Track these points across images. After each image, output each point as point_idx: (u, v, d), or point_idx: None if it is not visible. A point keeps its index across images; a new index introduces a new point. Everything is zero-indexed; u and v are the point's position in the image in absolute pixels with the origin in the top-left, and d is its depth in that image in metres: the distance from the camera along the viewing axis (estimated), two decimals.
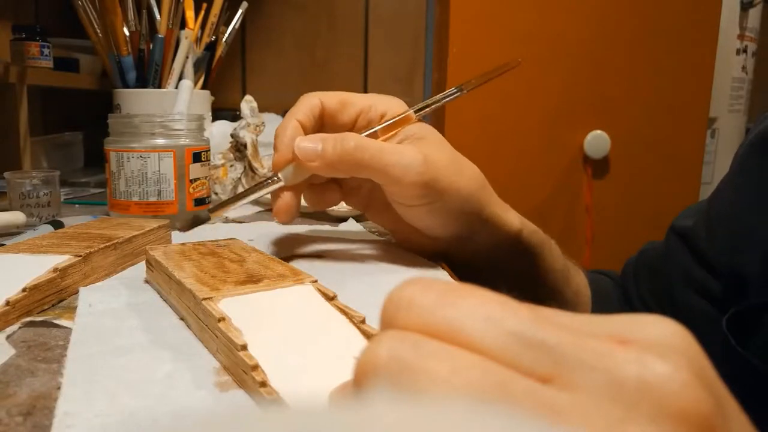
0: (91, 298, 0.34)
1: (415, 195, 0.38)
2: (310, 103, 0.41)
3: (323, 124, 0.42)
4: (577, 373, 0.14)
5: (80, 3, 0.77)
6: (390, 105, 0.42)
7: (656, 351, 0.14)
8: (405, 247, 0.45)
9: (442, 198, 0.38)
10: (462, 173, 0.40)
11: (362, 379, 0.15)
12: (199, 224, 0.38)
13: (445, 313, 0.15)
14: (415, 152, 0.38)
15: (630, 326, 0.15)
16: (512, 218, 0.43)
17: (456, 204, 0.39)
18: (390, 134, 0.41)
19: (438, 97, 0.42)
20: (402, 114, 0.41)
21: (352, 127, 0.42)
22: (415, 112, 0.41)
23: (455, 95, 0.42)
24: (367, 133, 0.40)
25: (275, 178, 0.40)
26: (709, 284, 0.44)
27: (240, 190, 0.69)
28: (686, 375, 0.13)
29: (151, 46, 0.77)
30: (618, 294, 0.53)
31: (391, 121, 0.41)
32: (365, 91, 1.48)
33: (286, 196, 0.40)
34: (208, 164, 0.60)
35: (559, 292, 0.47)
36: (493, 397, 0.13)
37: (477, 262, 0.44)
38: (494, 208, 0.42)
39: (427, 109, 0.42)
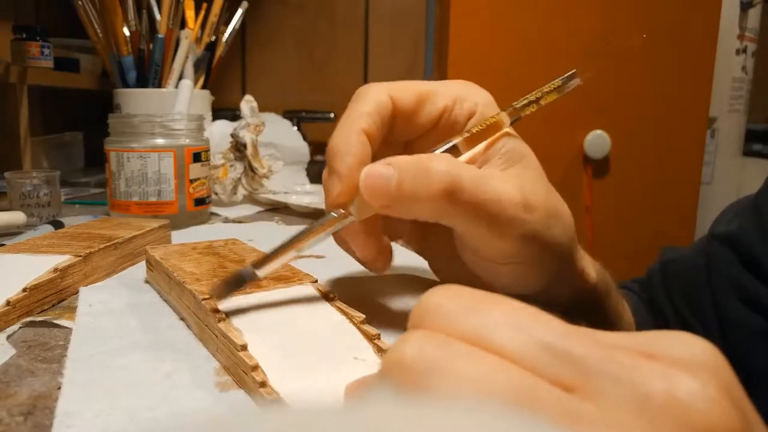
0: (91, 298, 0.34)
1: (510, 253, 0.28)
2: (377, 102, 0.29)
3: (393, 125, 0.30)
4: (602, 385, 0.14)
5: (80, 3, 0.77)
6: (478, 100, 0.31)
7: (684, 367, 0.14)
8: None
9: (537, 253, 0.29)
10: (559, 218, 0.30)
11: (388, 376, 0.15)
12: (243, 285, 0.27)
13: (474, 320, 0.15)
14: (514, 192, 0.27)
15: (658, 342, 0.15)
16: (591, 269, 0.35)
17: (546, 260, 0.30)
18: (477, 150, 0.30)
19: (540, 92, 0.30)
20: (491, 120, 0.29)
21: (433, 129, 0.31)
22: (511, 118, 0.30)
23: (566, 87, 0.30)
24: (447, 146, 0.29)
25: (342, 212, 0.28)
26: (764, 296, 0.39)
27: (240, 190, 0.69)
28: (714, 392, 0.13)
29: (151, 46, 0.77)
30: (646, 310, 0.48)
31: (477, 128, 0.29)
32: None
33: (368, 239, 0.29)
34: (208, 164, 0.60)
35: (615, 328, 0.39)
36: (519, 401, 0.13)
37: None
38: (580, 262, 0.33)
39: (525, 110, 0.30)
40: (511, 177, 0.29)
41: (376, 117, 0.29)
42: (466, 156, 0.29)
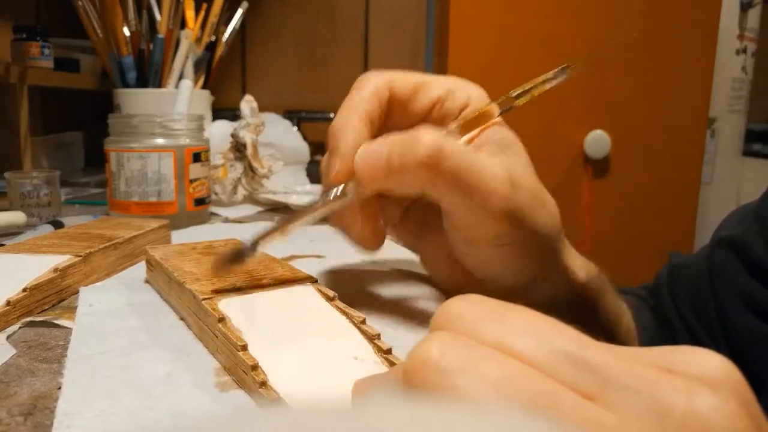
0: (92, 298, 0.34)
1: (496, 232, 0.29)
2: (376, 88, 0.31)
3: (390, 113, 0.32)
4: (622, 396, 0.14)
5: (80, 3, 0.77)
6: (471, 93, 0.33)
7: (704, 383, 0.14)
8: (450, 293, 0.33)
9: (523, 236, 0.30)
10: (545, 206, 0.31)
11: (412, 375, 0.15)
12: (243, 260, 0.28)
13: (495, 327, 0.15)
14: (498, 168, 0.28)
15: (676, 358, 0.15)
16: (579, 268, 0.35)
17: (532, 246, 0.31)
18: (468, 137, 0.31)
19: (534, 83, 0.32)
20: (484, 108, 0.31)
21: (426, 119, 0.33)
22: (500, 106, 0.32)
23: (557, 80, 0.32)
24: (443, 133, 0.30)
25: (339, 193, 0.29)
26: None
27: (240, 190, 0.69)
28: (734, 407, 0.13)
29: (151, 46, 0.77)
30: (651, 316, 0.47)
31: (470, 116, 0.31)
32: None
33: (364, 222, 0.31)
34: (208, 164, 0.60)
35: (612, 335, 0.39)
36: (541, 406, 0.14)
37: None
38: (567, 257, 0.34)
39: (519, 100, 0.32)
40: (499, 159, 0.30)
41: (375, 101, 0.31)
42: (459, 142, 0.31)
